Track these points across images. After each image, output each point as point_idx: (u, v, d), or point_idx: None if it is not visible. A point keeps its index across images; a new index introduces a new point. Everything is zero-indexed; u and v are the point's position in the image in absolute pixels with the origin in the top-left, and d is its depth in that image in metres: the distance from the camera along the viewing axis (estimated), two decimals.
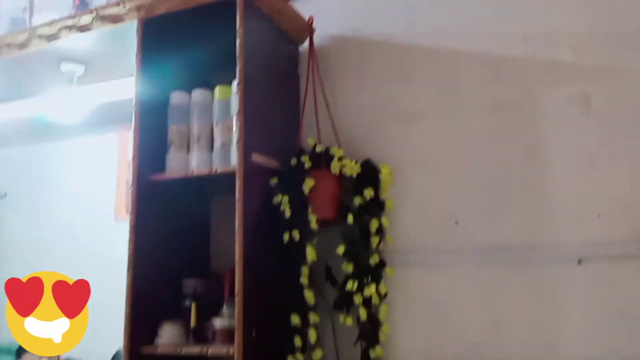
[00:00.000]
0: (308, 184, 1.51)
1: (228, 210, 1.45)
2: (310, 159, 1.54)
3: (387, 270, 1.55)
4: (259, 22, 1.58)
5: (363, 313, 1.49)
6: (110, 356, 1.98)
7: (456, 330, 1.52)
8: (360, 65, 1.76)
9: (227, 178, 1.44)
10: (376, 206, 1.55)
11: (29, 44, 1.83)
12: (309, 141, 1.62)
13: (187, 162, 1.58)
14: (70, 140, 2.75)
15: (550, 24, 1.55)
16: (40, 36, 1.80)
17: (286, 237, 1.48)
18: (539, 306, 1.45)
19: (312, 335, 1.48)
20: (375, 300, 1.50)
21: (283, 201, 1.49)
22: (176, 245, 1.67)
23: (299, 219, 1.48)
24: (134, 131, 1.58)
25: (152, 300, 1.55)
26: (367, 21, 1.78)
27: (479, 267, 1.52)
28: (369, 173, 1.58)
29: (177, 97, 1.63)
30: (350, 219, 1.53)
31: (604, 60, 1.49)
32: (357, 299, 1.49)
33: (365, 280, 1.51)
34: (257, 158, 1.48)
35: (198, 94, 1.61)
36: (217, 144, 1.55)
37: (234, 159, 1.46)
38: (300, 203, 1.49)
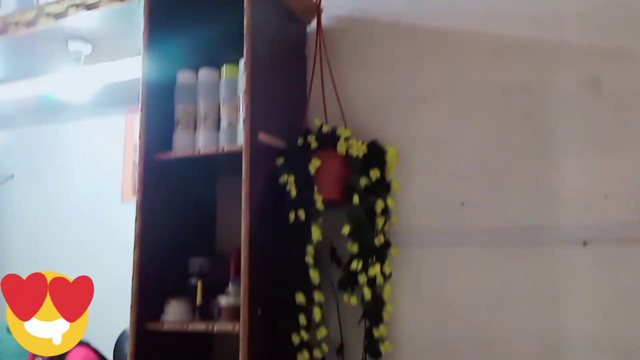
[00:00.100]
0: (314, 164, 1.51)
1: (234, 190, 1.45)
2: (316, 139, 1.54)
3: (392, 251, 1.55)
4: (266, 1, 1.57)
5: (367, 292, 1.50)
6: (116, 336, 2.01)
7: (460, 310, 1.53)
8: (368, 45, 1.75)
9: (234, 157, 1.44)
10: (382, 187, 1.56)
11: (37, 22, 1.83)
12: (315, 121, 1.62)
13: (194, 142, 1.58)
14: (77, 122, 2.76)
15: (561, 4, 1.53)
16: (48, 14, 1.80)
17: (292, 216, 1.48)
18: (544, 288, 1.45)
19: (317, 313, 1.49)
20: (379, 280, 1.51)
21: (289, 181, 1.49)
22: (183, 224, 1.68)
23: (305, 199, 1.49)
24: (141, 110, 1.58)
25: (158, 278, 1.56)
26: (375, 1, 1.76)
27: (484, 248, 1.53)
28: (375, 154, 1.58)
29: (184, 76, 1.63)
30: (356, 199, 1.53)
31: (615, 42, 1.47)
32: (362, 279, 1.50)
33: (370, 260, 1.52)
34: (263, 137, 1.48)
35: (205, 73, 1.61)
36: (224, 123, 1.55)
37: (241, 138, 1.46)
38: (306, 183, 1.50)
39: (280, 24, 1.67)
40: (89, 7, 1.72)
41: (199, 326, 1.48)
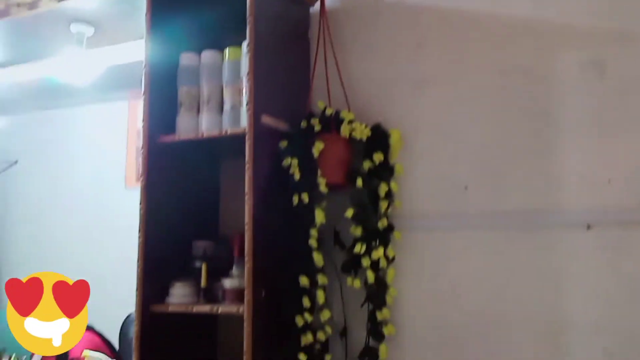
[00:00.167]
0: (318, 147, 1.50)
1: (238, 173, 1.45)
2: (320, 122, 1.54)
3: (395, 234, 1.56)
4: None
5: (370, 276, 1.50)
6: (121, 321, 2.02)
7: (463, 294, 1.53)
8: (372, 27, 1.73)
9: (237, 140, 1.44)
10: (385, 170, 1.55)
11: (39, 4, 1.82)
12: (319, 104, 1.61)
13: (197, 124, 1.58)
14: (80, 108, 2.76)
15: None
16: None
17: (295, 199, 1.48)
18: (547, 271, 1.45)
19: (320, 296, 1.50)
20: (382, 263, 1.51)
21: (292, 164, 1.49)
22: (186, 207, 1.68)
23: (308, 182, 1.49)
24: (144, 92, 1.58)
25: (163, 260, 1.57)
26: None
27: (487, 232, 1.53)
28: (379, 137, 1.57)
29: (187, 58, 1.62)
30: (359, 182, 1.53)
31: (619, 24, 1.45)
32: (365, 262, 1.50)
33: (374, 243, 1.52)
34: (267, 120, 1.47)
35: (208, 55, 1.60)
36: (227, 105, 1.55)
37: (244, 121, 1.46)
38: (309, 166, 1.50)
39: (283, 5, 1.66)
40: None
41: (204, 308, 1.49)
